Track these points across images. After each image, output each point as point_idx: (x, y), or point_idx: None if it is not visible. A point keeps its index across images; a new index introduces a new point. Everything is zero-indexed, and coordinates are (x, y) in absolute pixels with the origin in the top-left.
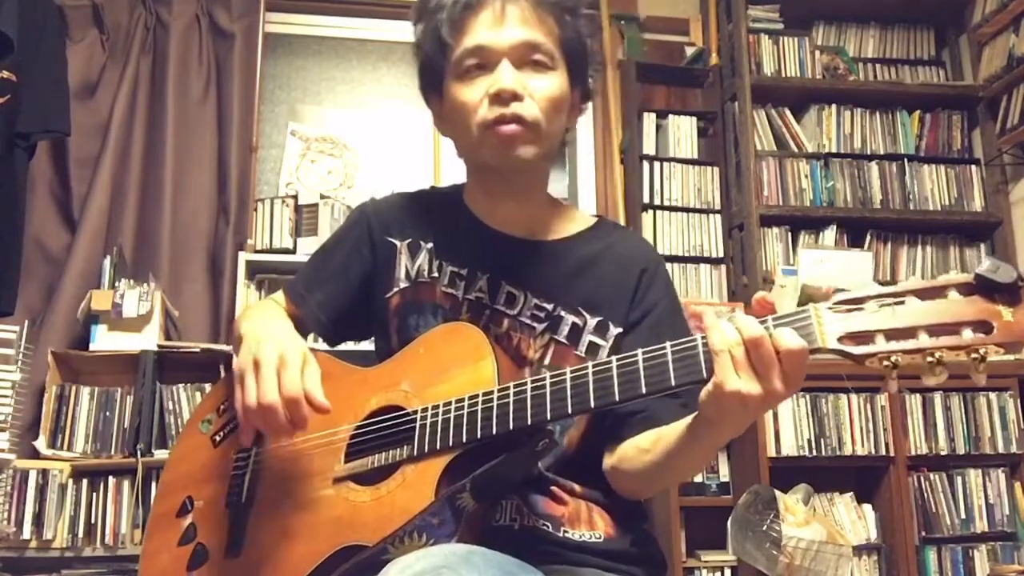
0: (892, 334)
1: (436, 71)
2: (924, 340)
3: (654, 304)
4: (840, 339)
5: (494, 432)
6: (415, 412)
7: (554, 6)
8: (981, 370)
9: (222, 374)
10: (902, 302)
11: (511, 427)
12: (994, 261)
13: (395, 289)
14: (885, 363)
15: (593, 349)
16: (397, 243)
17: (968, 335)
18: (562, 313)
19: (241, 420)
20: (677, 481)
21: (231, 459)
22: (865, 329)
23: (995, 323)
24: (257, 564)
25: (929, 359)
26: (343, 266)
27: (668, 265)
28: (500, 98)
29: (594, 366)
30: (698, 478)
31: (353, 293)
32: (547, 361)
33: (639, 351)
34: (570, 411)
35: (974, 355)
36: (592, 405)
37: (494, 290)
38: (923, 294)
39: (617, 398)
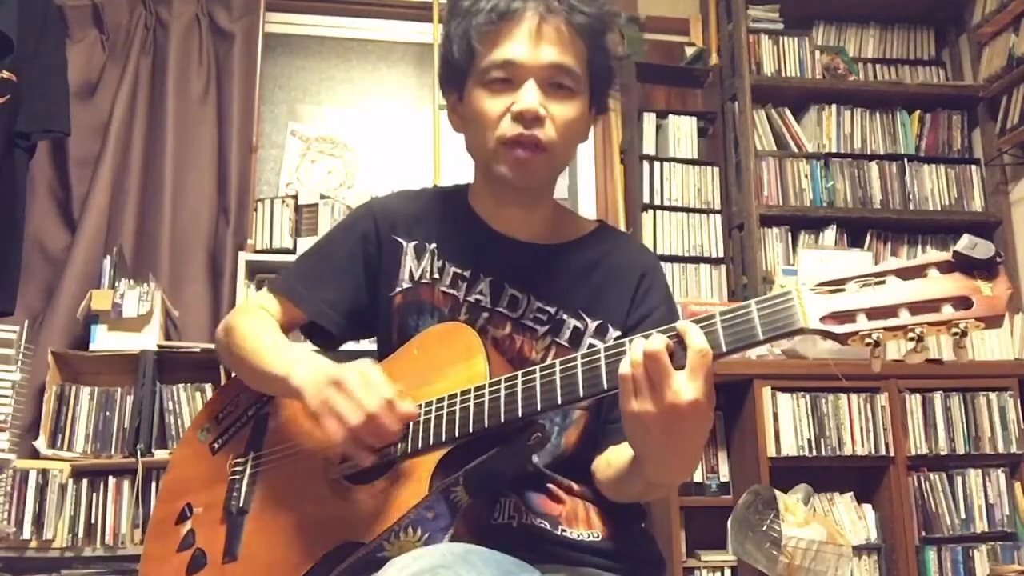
0: (874, 313)
1: (460, 70)
2: (905, 317)
3: (653, 308)
4: (822, 319)
5: (486, 425)
6: None
7: (587, 28)
8: (963, 345)
9: (222, 375)
10: (883, 282)
11: (502, 420)
12: (971, 238)
13: (398, 288)
14: (867, 341)
15: None
16: (403, 243)
17: (948, 311)
18: (564, 316)
19: (348, 443)
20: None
21: (229, 465)
22: (847, 308)
23: (974, 298)
24: (254, 567)
25: (911, 335)
26: (349, 262)
27: (668, 265)
28: (523, 118)
29: (583, 356)
30: (698, 478)
31: (360, 289)
32: None
33: (627, 339)
34: (560, 401)
35: (955, 330)
36: (581, 395)
37: (496, 293)
38: (904, 274)
39: (606, 386)
